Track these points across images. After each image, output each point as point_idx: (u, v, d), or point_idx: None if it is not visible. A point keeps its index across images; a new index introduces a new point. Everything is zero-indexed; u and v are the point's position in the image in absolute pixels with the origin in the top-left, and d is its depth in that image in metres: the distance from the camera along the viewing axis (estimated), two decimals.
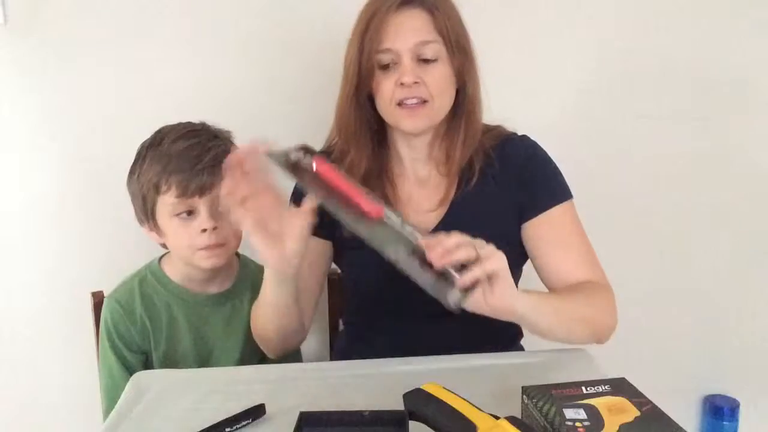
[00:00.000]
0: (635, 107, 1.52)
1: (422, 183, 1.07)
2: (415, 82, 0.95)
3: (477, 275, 0.71)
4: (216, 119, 1.14)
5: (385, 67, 0.97)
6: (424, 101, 0.97)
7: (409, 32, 0.95)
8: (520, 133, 1.08)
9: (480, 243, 0.73)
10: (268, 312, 0.96)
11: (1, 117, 1.39)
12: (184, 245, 1.07)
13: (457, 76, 1.00)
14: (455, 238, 0.71)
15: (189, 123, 1.11)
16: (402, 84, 0.95)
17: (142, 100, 1.40)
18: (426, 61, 0.96)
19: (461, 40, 0.99)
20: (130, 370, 1.07)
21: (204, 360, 1.15)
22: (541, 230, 1.02)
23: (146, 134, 1.10)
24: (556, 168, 1.05)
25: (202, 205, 1.05)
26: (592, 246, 1.03)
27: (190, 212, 1.06)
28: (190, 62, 1.41)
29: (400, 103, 0.97)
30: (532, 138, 1.07)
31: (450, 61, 0.98)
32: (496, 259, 0.73)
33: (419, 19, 0.96)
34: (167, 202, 1.05)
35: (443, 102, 0.99)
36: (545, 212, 1.01)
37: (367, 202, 0.75)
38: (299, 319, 1.00)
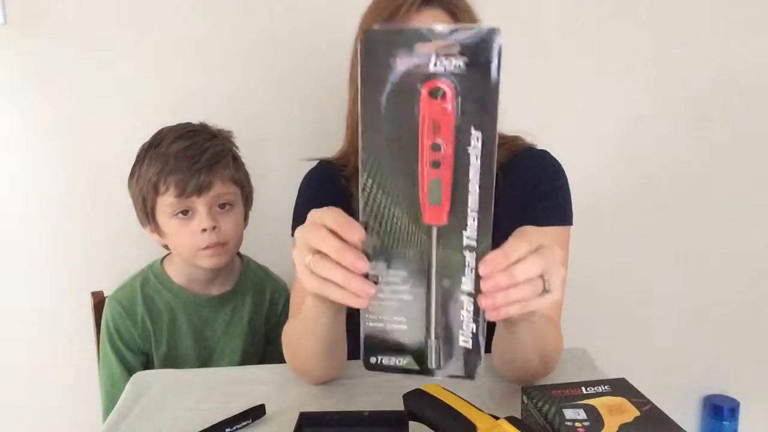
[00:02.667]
0: (636, 107, 1.52)
1: None
2: None
3: (532, 309, 0.56)
4: (217, 120, 1.14)
5: None
6: None
7: None
8: (541, 146, 1.01)
9: (549, 258, 0.56)
10: (318, 348, 0.82)
11: (2, 117, 1.40)
12: (185, 246, 1.07)
13: None
14: (522, 269, 0.53)
15: (188, 123, 1.11)
16: None
17: (142, 100, 1.40)
18: None
19: None
20: (130, 371, 1.07)
21: (205, 361, 1.15)
22: None
23: (147, 134, 1.10)
24: (564, 188, 0.97)
25: (200, 204, 1.05)
26: (565, 284, 0.93)
27: (190, 212, 1.06)
28: (191, 62, 1.41)
29: None
30: (551, 154, 0.99)
31: None
32: (560, 286, 0.58)
33: (441, 20, 0.89)
34: (166, 203, 1.05)
35: None
36: (534, 228, 0.93)
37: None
38: (342, 333, 0.83)
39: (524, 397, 0.72)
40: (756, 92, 1.53)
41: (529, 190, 0.96)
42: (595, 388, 0.72)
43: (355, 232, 0.52)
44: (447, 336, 0.54)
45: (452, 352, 0.55)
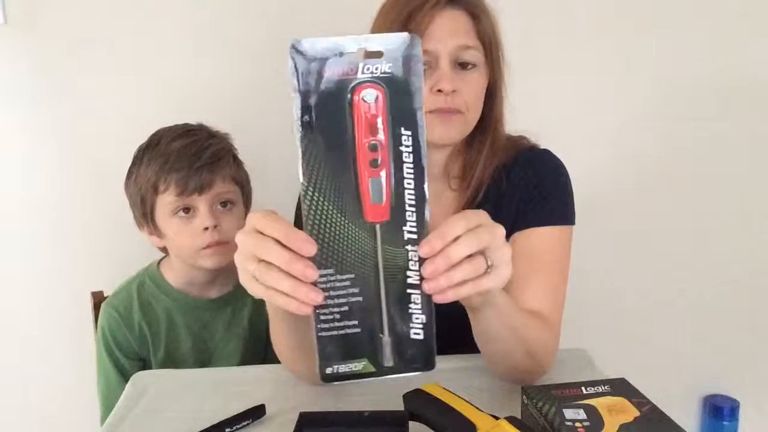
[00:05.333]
0: (636, 107, 1.52)
1: (434, 200, 0.96)
2: (453, 91, 0.88)
3: (482, 289, 0.57)
4: (216, 120, 1.14)
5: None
6: (458, 111, 0.89)
7: (450, 34, 0.88)
8: (543, 146, 1.01)
9: (486, 236, 0.56)
10: (294, 350, 0.81)
11: (1, 117, 1.40)
12: (186, 245, 1.06)
13: (488, 87, 0.94)
14: (457, 249, 0.54)
15: (186, 124, 1.10)
16: (440, 91, 0.87)
17: (142, 101, 1.40)
18: (463, 67, 0.89)
19: (500, 49, 0.94)
20: (127, 378, 1.04)
21: (204, 364, 1.14)
22: (523, 243, 0.91)
23: (147, 134, 1.10)
24: (566, 188, 0.97)
25: (201, 203, 1.04)
26: (566, 284, 0.92)
27: (190, 209, 1.05)
28: (191, 62, 1.41)
29: (432, 111, 0.88)
30: (554, 153, 1.00)
31: (486, 70, 0.92)
32: (507, 263, 0.59)
33: (462, 21, 0.89)
34: (166, 202, 1.04)
35: (475, 114, 0.93)
36: (535, 228, 0.92)
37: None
38: None
39: (524, 397, 0.72)
40: (755, 92, 1.53)
41: (531, 190, 0.96)
42: (595, 388, 0.72)
43: (305, 245, 0.53)
44: (399, 331, 0.56)
45: (406, 346, 0.56)
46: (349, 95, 0.51)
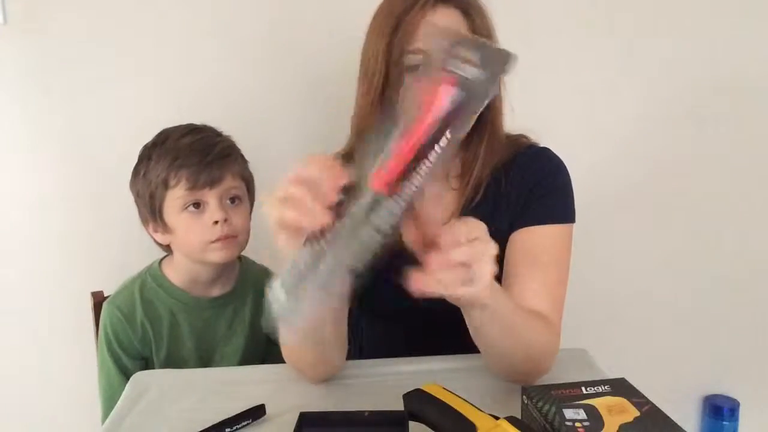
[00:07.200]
0: (636, 106, 1.52)
1: (435, 200, 0.95)
2: None
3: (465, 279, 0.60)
4: (219, 120, 1.14)
5: (412, 69, 0.87)
6: None
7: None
8: (543, 144, 1.01)
9: (480, 250, 0.60)
10: (305, 346, 0.83)
11: (2, 117, 1.40)
12: (195, 240, 1.07)
13: None
14: (455, 254, 0.58)
15: (191, 123, 1.11)
16: None
17: (143, 101, 1.40)
18: None
19: None
20: (128, 377, 1.05)
21: (206, 363, 1.15)
22: (522, 242, 0.92)
23: (147, 134, 1.10)
24: (565, 186, 0.97)
25: (211, 197, 1.05)
26: (566, 283, 0.92)
27: (200, 204, 1.06)
28: (193, 62, 1.41)
29: None
30: (553, 152, 1.00)
31: None
32: (484, 281, 0.61)
33: (454, 19, 0.90)
34: (176, 196, 1.05)
35: None
36: (535, 226, 0.92)
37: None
38: (338, 334, 0.85)
39: (524, 397, 0.72)
40: (756, 92, 1.53)
41: (530, 188, 0.96)
42: (595, 388, 0.72)
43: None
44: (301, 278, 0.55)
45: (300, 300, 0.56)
46: (436, 79, 0.53)
